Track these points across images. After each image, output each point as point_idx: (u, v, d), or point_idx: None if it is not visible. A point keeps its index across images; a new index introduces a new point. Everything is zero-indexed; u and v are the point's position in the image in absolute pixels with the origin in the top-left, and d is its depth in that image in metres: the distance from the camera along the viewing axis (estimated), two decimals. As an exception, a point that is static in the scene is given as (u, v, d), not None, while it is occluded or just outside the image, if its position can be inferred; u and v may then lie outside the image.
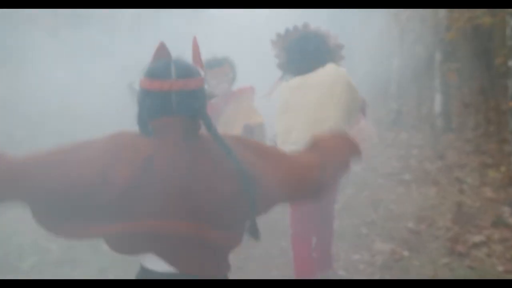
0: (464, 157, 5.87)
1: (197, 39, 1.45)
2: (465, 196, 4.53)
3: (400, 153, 6.29)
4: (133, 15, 8.88)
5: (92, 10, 8.24)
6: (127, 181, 1.18)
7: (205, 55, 2.64)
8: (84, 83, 7.04)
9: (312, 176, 1.37)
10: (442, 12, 6.39)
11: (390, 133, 7.24)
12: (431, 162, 5.71)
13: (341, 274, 3.10)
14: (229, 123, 2.75)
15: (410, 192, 4.73)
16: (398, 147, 6.53)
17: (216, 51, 2.87)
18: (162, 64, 1.28)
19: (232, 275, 1.39)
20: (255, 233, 1.32)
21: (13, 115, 6.32)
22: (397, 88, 7.55)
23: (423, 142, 6.69)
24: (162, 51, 1.31)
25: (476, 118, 7.05)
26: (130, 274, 1.42)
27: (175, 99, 1.24)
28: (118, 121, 1.96)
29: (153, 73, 1.27)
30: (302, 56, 2.55)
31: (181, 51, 1.37)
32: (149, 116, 1.27)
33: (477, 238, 3.57)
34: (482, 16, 5.04)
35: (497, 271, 3.15)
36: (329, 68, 2.50)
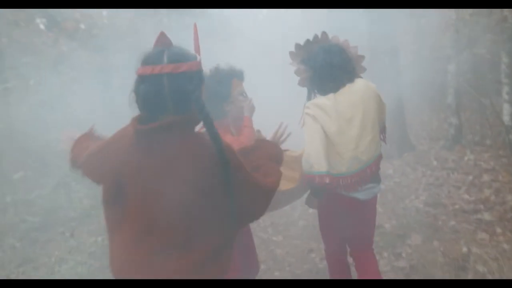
0: (553, 186, 4.63)
1: (197, 26, 1.46)
2: None
3: (469, 179, 5.08)
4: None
5: (95, 30, 7.47)
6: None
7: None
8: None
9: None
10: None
11: (451, 153, 6.01)
12: (513, 193, 4.50)
13: None
14: None
15: (499, 242, 3.56)
16: (465, 172, 5.31)
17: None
18: (155, 51, 1.38)
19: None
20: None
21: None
22: (455, 98, 6.28)
23: (494, 164, 5.45)
24: (162, 40, 1.41)
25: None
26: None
27: (167, 82, 1.33)
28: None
29: (146, 60, 1.37)
30: (328, 71, 2.36)
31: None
32: (142, 107, 1.38)
33: None
34: None
35: None
36: (361, 85, 2.37)
